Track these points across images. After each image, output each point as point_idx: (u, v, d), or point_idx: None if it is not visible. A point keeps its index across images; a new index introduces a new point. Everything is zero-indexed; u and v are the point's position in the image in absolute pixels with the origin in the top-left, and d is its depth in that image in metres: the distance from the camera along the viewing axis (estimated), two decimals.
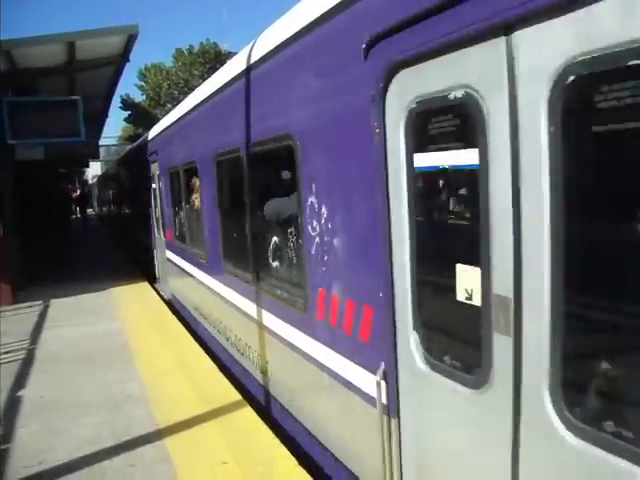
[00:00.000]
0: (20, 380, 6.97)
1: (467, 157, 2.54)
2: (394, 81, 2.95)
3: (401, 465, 3.25)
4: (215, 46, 54.69)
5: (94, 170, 59.87)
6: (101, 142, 31.54)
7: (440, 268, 2.90)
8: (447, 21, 2.48)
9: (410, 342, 3.02)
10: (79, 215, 41.42)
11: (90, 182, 66.66)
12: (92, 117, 18.29)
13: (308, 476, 4.24)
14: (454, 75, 2.52)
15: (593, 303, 2.18)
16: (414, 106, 2.83)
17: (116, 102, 62.96)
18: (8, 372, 7.17)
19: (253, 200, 5.48)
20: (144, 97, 57.72)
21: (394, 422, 3.25)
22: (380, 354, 3.27)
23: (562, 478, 2.15)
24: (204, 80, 7.96)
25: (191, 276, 8.91)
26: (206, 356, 7.35)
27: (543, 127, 2.10)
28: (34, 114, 11.78)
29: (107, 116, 23.28)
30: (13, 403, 6.21)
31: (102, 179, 40.12)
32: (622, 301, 2.03)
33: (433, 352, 2.92)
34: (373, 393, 3.32)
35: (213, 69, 37.95)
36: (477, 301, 2.54)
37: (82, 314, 10.42)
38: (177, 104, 10.41)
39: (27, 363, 7.66)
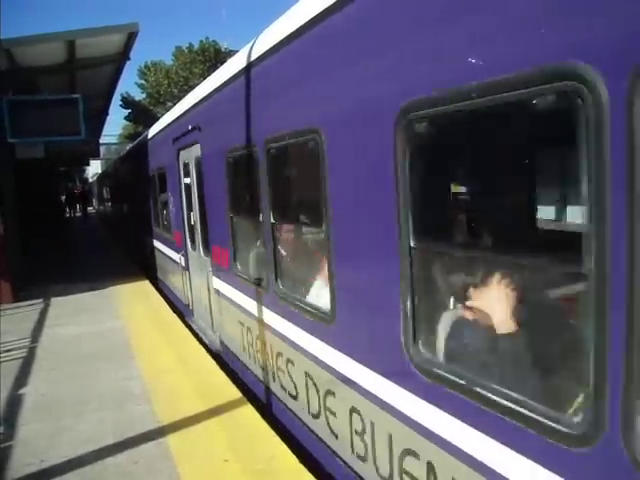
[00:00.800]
0: (21, 378, 7.00)
1: (190, 180, 8.43)
2: (179, 154, 8.81)
3: (191, 289, 9.20)
4: (215, 44, 54.67)
5: (94, 168, 59.92)
6: (101, 140, 31.61)
7: (189, 217, 8.70)
8: (184, 140, 8.30)
9: (189, 243, 9.00)
10: (80, 213, 41.50)
11: (90, 180, 66.67)
12: (92, 115, 18.31)
13: (309, 474, 4.25)
14: (187, 156, 8.33)
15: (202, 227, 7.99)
16: (182, 164, 8.83)
17: (116, 100, 62.75)
18: (9, 370, 7.20)
19: (162, 195, 11.33)
20: (144, 95, 57.70)
21: (187, 273, 9.26)
22: (182, 248, 9.30)
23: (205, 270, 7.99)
24: (204, 78, 8.39)
25: (156, 248, 13.53)
26: (207, 354, 7.38)
27: (195, 173, 8.06)
28: (35, 113, 11.78)
29: (107, 114, 23.29)
30: (15, 401, 6.23)
31: (100, 178, 40.24)
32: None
33: (194, 245, 8.58)
34: (179, 262, 9.62)
35: (213, 67, 37.88)
36: (192, 223, 8.55)
37: (83, 312, 10.45)
38: (177, 102, 10.61)
39: (28, 361, 7.69)
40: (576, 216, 2.01)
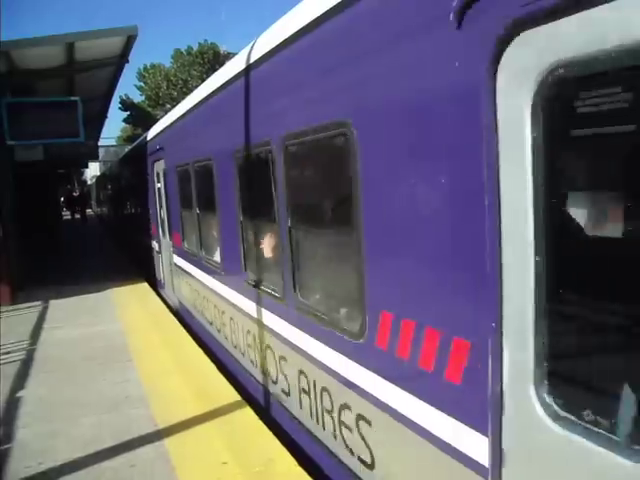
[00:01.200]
0: (20, 381, 6.99)
1: (160, 185, 10.81)
2: (154, 165, 11.34)
3: (162, 266, 11.87)
4: (214, 47, 54.76)
5: (93, 170, 59.80)
6: (100, 143, 31.58)
7: (161, 212, 11.17)
8: (156, 155, 11.15)
9: (160, 232, 11.38)
10: (79, 215, 41.53)
11: (89, 182, 66.60)
12: (91, 118, 18.31)
13: (308, 476, 4.26)
14: (158, 167, 10.86)
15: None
16: (155, 173, 11.15)
17: (115, 103, 62.78)
18: (8, 373, 7.19)
19: (145, 196, 12.97)
20: (143, 98, 57.77)
21: (160, 255, 11.77)
22: (157, 237, 11.87)
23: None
24: (203, 80, 8.65)
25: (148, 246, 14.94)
26: (205, 356, 7.38)
27: (162, 180, 10.59)
28: (33, 115, 11.79)
29: (106, 117, 23.29)
30: (13, 404, 6.22)
31: (98, 182, 40.31)
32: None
33: (164, 233, 11.09)
34: (155, 247, 12.54)
35: (212, 69, 37.93)
36: (162, 217, 11.06)
37: (81, 315, 10.44)
38: (176, 104, 10.67)
39: (26, 364, 7.67)
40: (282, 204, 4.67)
